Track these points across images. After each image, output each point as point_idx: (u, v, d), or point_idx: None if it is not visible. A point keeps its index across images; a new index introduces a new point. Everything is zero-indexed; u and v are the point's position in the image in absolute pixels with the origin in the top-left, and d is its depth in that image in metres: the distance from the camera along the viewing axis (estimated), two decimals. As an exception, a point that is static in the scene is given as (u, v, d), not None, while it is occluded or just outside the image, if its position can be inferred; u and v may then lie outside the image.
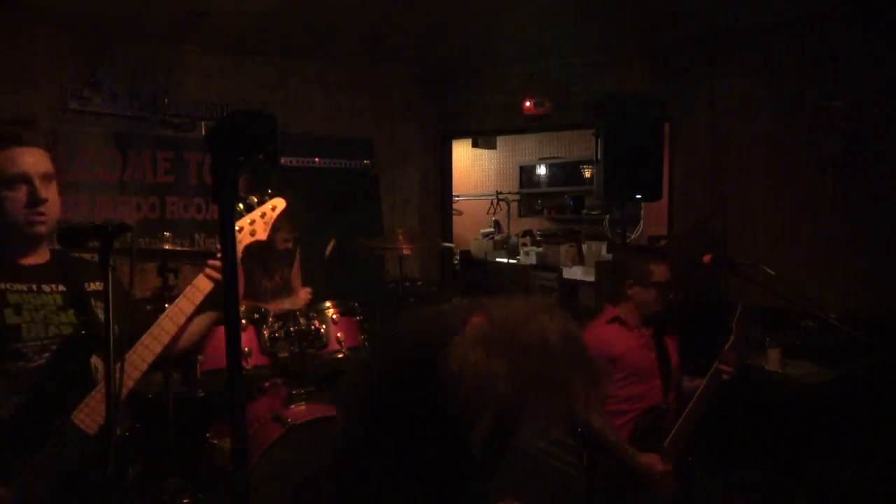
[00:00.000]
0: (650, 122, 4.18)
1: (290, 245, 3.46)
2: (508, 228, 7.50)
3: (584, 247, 6.71)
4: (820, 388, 3.27)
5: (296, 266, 3.64)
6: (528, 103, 5.46)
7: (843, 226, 4.10)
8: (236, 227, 1.94)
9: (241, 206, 2.02)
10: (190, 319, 1.79)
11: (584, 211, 7.32)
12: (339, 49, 5.20)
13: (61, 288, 1.68)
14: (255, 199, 2.03)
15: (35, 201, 1.60)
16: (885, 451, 3.04)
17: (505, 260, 6.92)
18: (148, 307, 2.68)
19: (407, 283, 4.31)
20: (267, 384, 3.15)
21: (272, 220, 2.03)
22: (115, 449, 1.38)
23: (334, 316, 3.08)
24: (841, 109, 4.03)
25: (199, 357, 2.79)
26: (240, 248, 1.96)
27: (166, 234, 3.41)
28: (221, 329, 2.87)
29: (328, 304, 3.12)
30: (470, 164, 8.52)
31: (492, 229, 8.09)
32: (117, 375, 1.37)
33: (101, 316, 1.69)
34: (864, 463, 3.07)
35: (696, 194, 4.84)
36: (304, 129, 5.39)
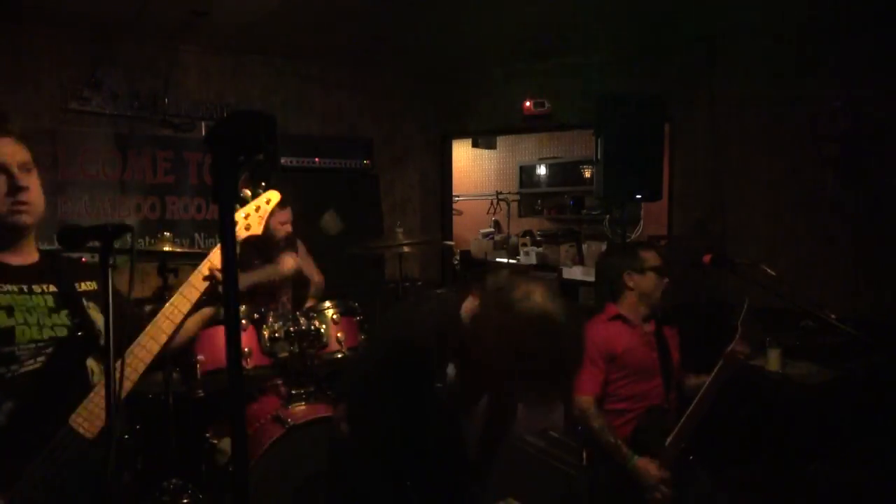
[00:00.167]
0: (650, 122, 4.18)
1: (289, 229, 3.38)
2: (508, 228, 7.50)
3: (584, 247, 6.71)
4: (820, 388, 3.27)
5: (306, 255, 3.62)
6: (528, 103, 5.46)
7: (843, 226, 4.10)
8: None
9: None
10: (186, 318, 1.77)
11: (584, 211, 7.31)
12: (339, 49, 5.20)
13: (52, 289, 1.65)
14: (249, 193, 1.99)
15: (15, 189, 1.56)
16: (885, 451, 3.04)
17: (505, 260, 6.92)
18: (148, 307, 2.68)
19: (407, 283, 4.31)
20: (267, 384, 3.15)
21: (266, 214, 2.00)
22: (115, 451, 1.37)
23: (334, 316, 3.08)
24: (841, 109, 4.03)
25: (199, 357, 2.79)
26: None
27: (166, 234, 3.40)
28: (221, 329, 2.88)
29: (328, 304, 3.12)
30: (470, 164, 8.52)
31: (492, 229, 8.09)
32: (117, 376, 1.36)
33: (95, 317, 1.66)
34: (864, 463, 3.07)
35: (696, 194, 4.84)
36: (304, 129, 5.39)
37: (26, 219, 1.60)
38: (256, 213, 1.99)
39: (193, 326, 1.91)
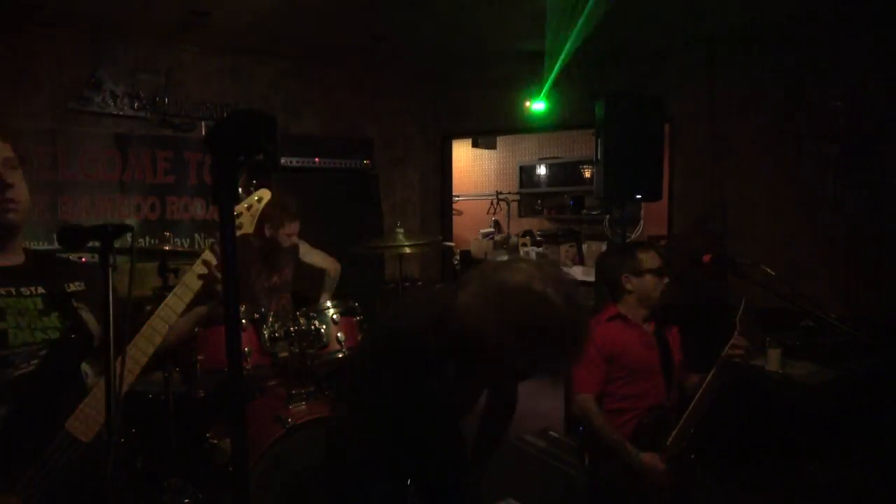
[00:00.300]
0: (650, 122, 4.18)
1: (295, 241, 3.44)
2: (508, 228, 7.51)
3: (584, 247, 6.71)
4: (820, 388, 3.27)
5: (310, 251, 3.65)
6: (527, 103, 5.46)
7: (843, 226, 4.10)
8: None
9: None
10: (180, 318, 1.75)
11: (584, 211, 7.31)
12: (339, 49, 5.20)
13: (41, 290, 1.60)
14: (241, 191, 1.96)
15: (1, 187, 1.52)
16: (885, 451, 3.04)
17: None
18: (148, 307, 2.67)
19: (407, 283, 4.31)
20: (267, 384, 3.15)
21: (258, 213, 1.98)
22: (109, 454, 1.35)
23: (334, 316, 3.07)
24: (841, 109, 4.03)
25: (199, 357, 2.79)
26: None
27: (166, 234, 3.40)
28: (221, 329, 2.87)
29: (328, 304, 3.12)
30: (470, 164, 8.52)
31: (492, 229, 8.09)
32: (117, 375, 1.36)
33: (85, 317, 1.63)
34: (864, 463, 3.07)
35: (696, 194, 4.84)
36: (304, 129, 5.39)
37: (13, 217, 1.56)
38: (248, 211, 1.96)
39: (186, 326, 1.89)
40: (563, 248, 6.82)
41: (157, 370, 3.01)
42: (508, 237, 7.47)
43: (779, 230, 4.38)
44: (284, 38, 4.87)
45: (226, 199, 1.01)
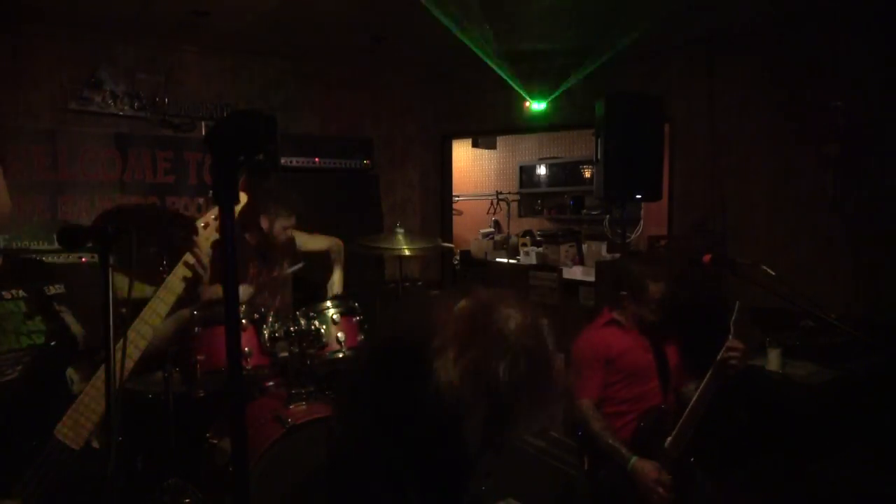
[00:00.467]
0: (650, 122, 4.18)
1: (290, 235, 3.44)
2: (508, 228, 7.49)
3: (584, 247, 6.70)
4: (820, 388, 3.27)
5: (301, 235, 3.67)
6: (527, 103, 5.47)
7: (843, 226, 4.10)
8: (200, 225, 1.89)
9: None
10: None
11: (584, 211, 7.31)
12: (339, 49, 5.20)
13: (22, 293, 1.58)
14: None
15: None
16: (885, 451, 3.04)
17: (505, 260, 6.91)
18: (123, 310, 2.65)
19: (407, 283, 4.31)
20: (267, 384, 3.15)
21: (236, 216, 1.98)
22: (109, 453, 1.34)
23: (334, 316, 3.07)
24: (841, 109, 4.03)
25: (199, 357, 2.79)
26: (206, 245, 1.88)
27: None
28: (221, 329, 2.88)
29: (328, 304, 3.12)
30: (470, 164, 8.52)
31: (492, 229, 8.08)
32: (116, 373, 1.35)
33: (69, 321, 1.61)
34: (864, 463, 3.07)
35: (696, 194, 4.84)
36: (304, 129, 5.39)
37: None
38: None
39: (169, 329, 1.88)
40: (563, 248, 6.80)
41: (157, 370, 3.01)
42: (508, 237, 7.46)
43: (779, 230, 4.38)
44: (284, 38, 4.87)
45: (226, 199, 1.01)
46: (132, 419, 2.97)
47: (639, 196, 4.36)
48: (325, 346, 3.01)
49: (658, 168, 4.24)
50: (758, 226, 4.49)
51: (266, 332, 2.91)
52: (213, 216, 1.92)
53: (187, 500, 2.87)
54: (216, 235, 1.91)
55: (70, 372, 1.60)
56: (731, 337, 2.53)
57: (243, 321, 2.86)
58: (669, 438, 2.52)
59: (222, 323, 2.32)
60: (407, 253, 3.71)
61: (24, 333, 1.53)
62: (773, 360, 3.42)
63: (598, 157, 4.09)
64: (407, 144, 6.11)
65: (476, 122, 6.16)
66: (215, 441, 2.92)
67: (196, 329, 2.77)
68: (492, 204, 7.80)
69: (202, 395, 2.87)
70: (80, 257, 3.94)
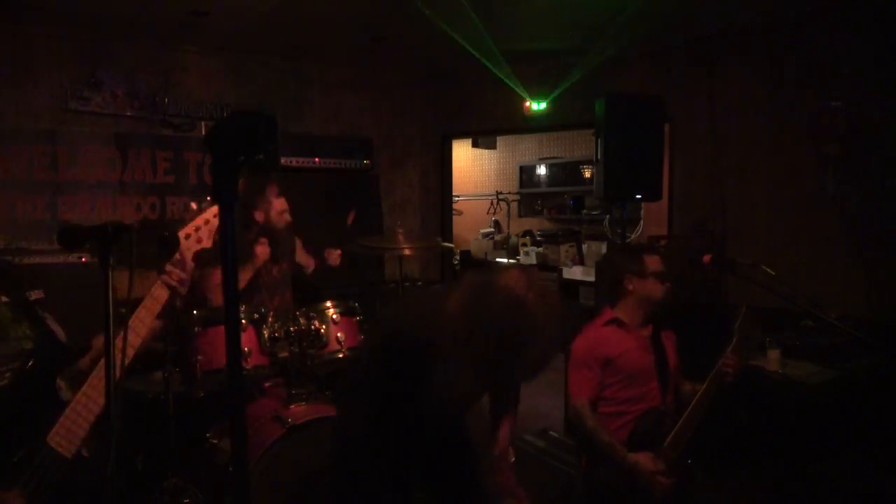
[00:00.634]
0: (650, 122, 4.18)
1: (288, 219, 3.40)
2: (508, 228, 7.50)
3: (584, 247, 6.71)
4: (820, 388, 3.27)
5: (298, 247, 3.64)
6: (527, 103, 5.46)
7: (843, 226, 4.10)
8: (182, 236, 1.90)
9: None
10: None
11: (584, 211, 7.31)
12: (339, 49, 5.20)
13: (4, 299, 1.58)
14: (195, 207, 1.99)
15: None
16: (886, 451, 3.04)
17: (505, 260, 6.92)
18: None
19: (407, 283, 4.31)
20: (267, 384, 3.15)
21: (215, 228, 1.96)
22: (100, 462, 1.34)
23: (334, 316, 3.07)
24: (841, 109, 4.03)
25: (199, 357, 2.79)
26: (188, 255, 1.89)
27: (166, 234, 3.39)
28: (221, 329, 2.88)
29: (328, 304, 3.12)
30: (470, 164, 8.52)
31: (492, 229, 8.09)
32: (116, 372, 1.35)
33: (54, 328, 1.61)
34: (864, 463, 3.07)
35: (696, 194, 4.84)
36: (304, 129, 5.39)
37: None
38: (206, 226, 1.96)
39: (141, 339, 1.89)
40: (563, 248, 6.82)
41: (157, 370, 3.01)
42: (508, 237, 7.47)
43: (779, 230, 4.38)
44: (284, 38, 4.86)
45: (226, 199, 1.01)
46: (132, 419, 2.98)
47: (639, 196, 4.36)
48: (325, 345, 3.01)
49: (658, 168, 4.24)
50: (758, 226, 4.49)
51: (266, 332, 2.91)
52: (193, 227, 1.92)
53: (187, 500, 2.88)
54: (196, 247, 1.93)
55: (59, 381, 1.60)
56: (730, 348, 2.54)
57: (243, 321, 2.86)
58: (667, 439, 2.52)
59: (222, 323, 2.33)
60: (407, 253, 3.71)
61: (13, 339, 1.53)
62: (773, 360, 3.42)
63: (598, 157, 4.09)
64: (407, 144, 6.11)
65: (476, 122, 6.16)
66: (215, 441, 2.92)
67: (196, 329, 2.78)
68: (492, 204, 7.80)
69: (202, 395, 2.87)
70: (80, 257, 3.94)
